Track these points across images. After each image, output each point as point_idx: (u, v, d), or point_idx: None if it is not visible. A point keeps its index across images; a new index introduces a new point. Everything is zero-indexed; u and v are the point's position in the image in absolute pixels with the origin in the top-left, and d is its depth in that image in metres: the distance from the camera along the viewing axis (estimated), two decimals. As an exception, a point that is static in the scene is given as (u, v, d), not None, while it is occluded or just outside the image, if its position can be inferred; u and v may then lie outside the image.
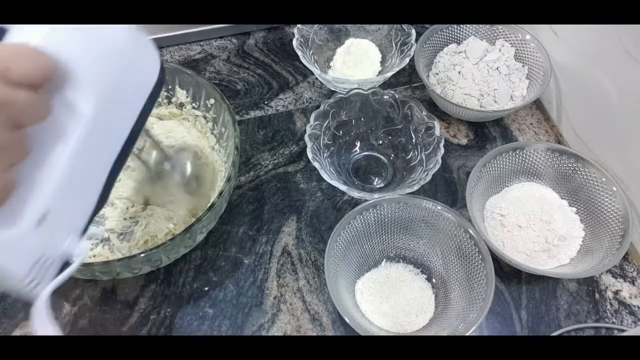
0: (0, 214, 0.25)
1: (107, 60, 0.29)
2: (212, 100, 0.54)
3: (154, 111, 0.55)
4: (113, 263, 0.41)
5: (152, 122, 0.57)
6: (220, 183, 0.53)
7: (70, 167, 0.28)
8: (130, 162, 0.54)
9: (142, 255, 0.42)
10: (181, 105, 0.57)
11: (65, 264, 0.31)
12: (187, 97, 0.56)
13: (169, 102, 0.57)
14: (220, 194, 0.45)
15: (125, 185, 0.53)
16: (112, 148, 0.32)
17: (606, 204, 0.52)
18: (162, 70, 0.34)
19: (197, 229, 0.44)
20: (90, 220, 0.32)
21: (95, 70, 0.28)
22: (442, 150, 0.53)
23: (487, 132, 0.65)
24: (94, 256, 0.50)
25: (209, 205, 0.45)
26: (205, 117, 0.56)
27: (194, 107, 0.57)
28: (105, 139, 0.31)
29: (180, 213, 0.52)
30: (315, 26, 0.68)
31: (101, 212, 0.49)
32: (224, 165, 0.54)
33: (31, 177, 0.26)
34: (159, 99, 0.57)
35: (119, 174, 0.33)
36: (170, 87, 0.56)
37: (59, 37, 0.26)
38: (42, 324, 0.29)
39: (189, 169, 0.54)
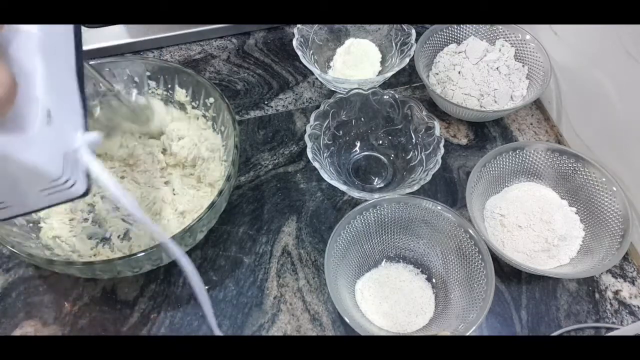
0: (12, 118, 0.26)
1: None
2: (211, 100, 0.54)
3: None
4: (114, 261, 0.41)
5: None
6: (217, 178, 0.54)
7: (44, 70, 0.29)
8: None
9: (142, 254, 0.42)
10: (181, 105, 0.57)
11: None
12: (186, 96, 0.56)
13: (170, 101, 0.57)
14: (220, 193, 0.45)
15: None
16: (68, 54, 0.33)
17: (606, 204, 0.52)
18: None
19: (197, 227, 0.45)
20: (85, 117, 0.34)
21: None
22: (442, 150, 0.53)
23: (487, 132, 0.65)
24: (94, 255, 0.50)
25: (209, 204, 0.45)
26: (205, 116, 0.56)
27: (193, 107, 0.57)
28: (59, 46, 0.32)
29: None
30: (315, 26, 0.68)
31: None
32: (224, 164, 0.54)
33: (20, 80, 0.27)
34: (160, 99, 0.57)
35: (84, 82, 0.35)
36: (170, 86, 0.56)
37: None
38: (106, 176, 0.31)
39: (134, 95, 0.55)
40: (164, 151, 0.57)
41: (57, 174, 0.29)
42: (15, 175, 0.28)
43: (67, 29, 0.34)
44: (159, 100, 0.57)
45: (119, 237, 0.52)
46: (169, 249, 0.36)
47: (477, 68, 0.65)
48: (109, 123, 0.53)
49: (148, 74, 0.55)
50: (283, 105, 0.67)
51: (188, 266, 0.35)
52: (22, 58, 0.28)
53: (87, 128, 0.34)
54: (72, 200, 0.32)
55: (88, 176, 0.33)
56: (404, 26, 0.66)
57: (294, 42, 0.63)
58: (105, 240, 0.52)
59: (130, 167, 0.56)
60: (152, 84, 0.56)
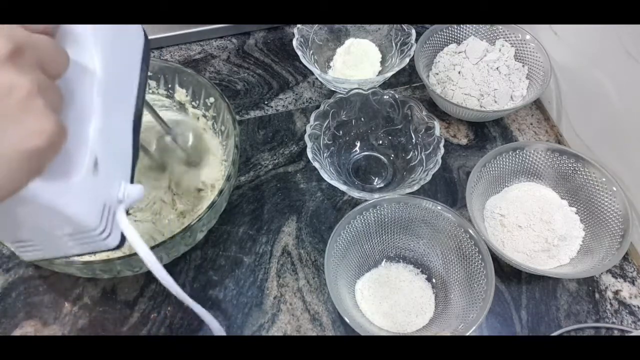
0: (59, 162, 0.26)
1: (102, 28, 0.30)
2: (211, 99, 0.54)
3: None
4: (114, 261, 0.41)
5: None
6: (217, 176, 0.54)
7: (103, 116, 0.29)
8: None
9: None
10: (181, 105, 0.57)
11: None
12: (186, 95, 0.56)
13: (170, 99, 0.57)
14: (220, 192, 0.45)
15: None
16: (128, 99, 0.34)
17: (606, 204, 0.52)
18: (146, 35, 0.37)
19: (197, 227, 0.45)
20: (134, 168, 0.34)
21: (92, 31, 0.29)
22: (442, 150, 0.53)
23: (487, 132, 0.65)
24: (95, 254, 0.50)
25: (209, 204, 0.45)
26: (205, 116, 0.56)
27: (193, 107, 0.57)
28: (120, 90, 0.32)
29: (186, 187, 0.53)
30: (315, 26, 0.68)
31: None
32: (224, 164, 0.54)
33: (73, 125, 0.27)
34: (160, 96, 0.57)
35: (140, 127, 0.35)
36: (170, 85, 0.56)
37: None
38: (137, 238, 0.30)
39: (190, 139, 0.55)
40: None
41: (94, 224, 0.29)
42: (51, 221, 0.28)
43: (133, 72, 0.34)
44: (216, 138, 0.56)
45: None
46: (210, 323, 0.36)
47: (477, 68, 0.65)
48: (161, 160, 0.53)
49: (149, 73, 0.55)
50: (283, 105, 0.67)
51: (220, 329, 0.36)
52: (81, 101, 0.28)
53: (132, 179, 0.34)
54: (104, 251, 0.31)
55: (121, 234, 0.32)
56: (404, 26, 0.66)
57: (294, 42, 0.63)
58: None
59: None
60: (153, 83, 0.56)
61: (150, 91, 0.56)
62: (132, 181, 0.34)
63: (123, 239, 0.32)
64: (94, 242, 0.30)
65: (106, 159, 0.29)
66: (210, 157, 0.55)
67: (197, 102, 0.56)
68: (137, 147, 0.35)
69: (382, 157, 0.61)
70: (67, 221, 0.28)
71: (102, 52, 0.30)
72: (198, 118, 0.57)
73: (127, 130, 0.33)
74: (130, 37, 0.35)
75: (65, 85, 0.27)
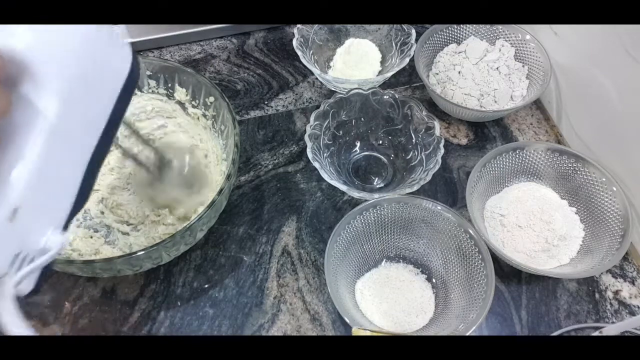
0: None
1: (69, 60, 0.29)
2: (211, 99, 0.54)
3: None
4: (114, 260, 0.41)
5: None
6: (217, 179, 0.54)
7: (40, 163, 0.28)
8: (130, 164, 0.54)
9: (142, 252, 0.42)
10: (181, 104, 0.57)
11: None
12: (186, 95, 0.56)
13: (170, 98, 0.58)
14: (220, 191, 0.45)
15: (130, 201, 0.54)
16: (86, 143, 0.32)
17: (606, 204, 0.52)
18: (135, 63, 0.34)
19: (197, 226, 0.45)
20: (72, 215, 0.32)
21: (57, 70, 0.28)
22: (442, 150, 0.53)
23: (487, 132, 0.65)
24: (95, 254, 0.50)
25: (208, 202, 0.45)
26: (205, 116, 0.56)
27: (193, 106, 0.57)
28: (76, 135, 0.31)
29: (181, 210, 0.52)
30: (315, 26, 0.68)
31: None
32: (224, 163, 0.54)
33: (5, 159, 0.26)
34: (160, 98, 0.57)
35: (100, 168, 0.34)
36: (169, 85, 0.56)
37: (20, 38, 0.27)
38: (11, 319, 0.28)
39: (186, 164, 0.54)
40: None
41: (1, 271, 0.28)
42: None
43: (103, 109, 0.32)
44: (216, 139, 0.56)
45: (121, 232, 0.52)
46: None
47: (477, 68, 0.65)
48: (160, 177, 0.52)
49: (149, 73, 0.55)
50: (283, 105, 0.67)
51: None
52: (17, 144, 0.27)
53: (67, 226, 0.32)
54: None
55: (41, 275, 0.31)
56: (404, 26, 0.66)
57: (294, 42, 0.63)
58: (108, 229, 0.52)
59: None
60: (152, 83, 0.56)
61: (150, 91, 0.56)
62: (67, 225, 0.32)
63: (37, 287, 0.31)
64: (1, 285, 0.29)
65: (33, 208, 0.28)
66: (207, 189, 0.54)
67: (197, 101, 0.56)
68: (89, 188, 0.33)
69: (382, 157, 0.61)
70: None
71: (63, 94, 0.28)
72: (198, 118, 0.57)
73: (75, 174, 0.31)
74: (111, 66, 0.33)
75: (7, 126, 0.26)
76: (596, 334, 0.42)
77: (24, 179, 0.27)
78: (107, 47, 0.32)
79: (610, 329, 0.46)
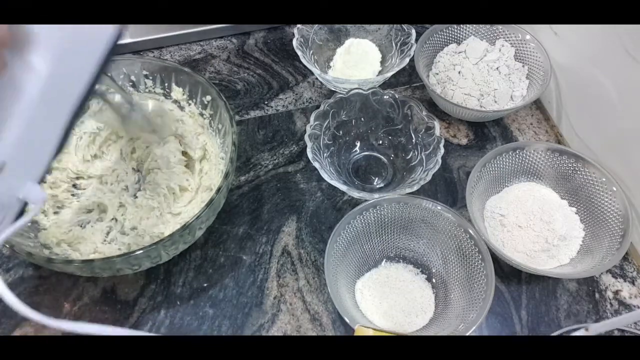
0: None
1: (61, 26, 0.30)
2: (208, 97, 0.54)
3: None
4: (113, 259, 0.41)
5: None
6: (215, 178, 0.54)
7: (28, 119, 0.29)
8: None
9: (141, 251, 0.42)
10: (178, 103, 0.57)
11: (23, 211, 0.33)
12: (183, 94, 0.56)
13: (167, 97, 0.58)
14: (218, 190, 0.45)
15: (130, 202, 0.54)
16: (69, 100, 0.33)
17: (606, 204, 0.52)
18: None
19: (196, 224, 0.45)
20: (47, 167, 0.34)
21: (50, 34, 0.29)
22: (442, 150, 0.53)
23: (487, 132, 0.65)
24: (95, 253, 0.50)
25: (207, 201, 0.45)
26: (202, 115, 0.56)
27: (190, 105, 0.57)
28: (62, 92, 0.32)
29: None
30: (315, 26, 0.68)
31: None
32: (222, 162, 0.54)
33: None
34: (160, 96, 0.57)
35: (76, 122, 0.35)
36: (166, 84, 0.56)
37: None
38: None
39: (149, 108, 0.56)
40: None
41: None
42: None
43: (87, 68, 0.33)
44: (172, 104, 0.57)
45: (121, 230, 0.52)
46: None
47: (477, 68, 0.65)
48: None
49: (145, 72, 0.55)
50: (283, 105, 0.67)
51: None
52: (13, 97, 0.28)
53: (43, 178, 0.33)
54: None
55: (19, 214, 0.32)
56: (404, 26, 0.66)
57: (294, 42, 0.63)
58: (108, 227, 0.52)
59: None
60: (149, 82, 0.56)
61: (147, 90, 0.56)
62: (43, 177, 0.34)
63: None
64: None
65: (16, 162, 0.30)
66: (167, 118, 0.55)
67: (194, 100, 0.56)
68: (66, 137, 0.34)
69: (382, 157, 0.61)
70: None
71: (54, 52, 0.29)
72: (195, 116, 0.57)
73: (57, 129, 0.33)
74: (97, 28, 0.34)
75: (2, 84, 0.27)
76: (581, 332, 0.41)
77: (14, 134, 0.28)
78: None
79: (597, 327, 0.46)
